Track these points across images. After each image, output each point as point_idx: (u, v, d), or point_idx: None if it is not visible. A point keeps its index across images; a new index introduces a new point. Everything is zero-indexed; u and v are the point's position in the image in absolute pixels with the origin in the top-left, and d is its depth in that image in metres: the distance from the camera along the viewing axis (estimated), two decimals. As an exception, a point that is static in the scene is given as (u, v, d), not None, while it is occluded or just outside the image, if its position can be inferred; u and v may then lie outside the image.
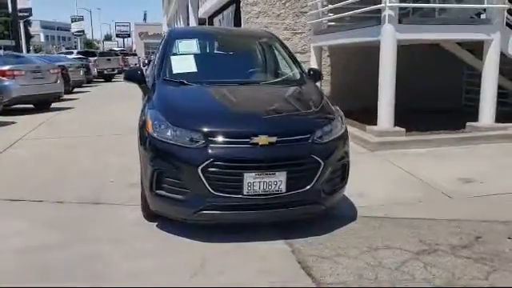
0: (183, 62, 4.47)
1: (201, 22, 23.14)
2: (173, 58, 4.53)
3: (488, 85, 7.02)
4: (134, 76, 4.62)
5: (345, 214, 4.18)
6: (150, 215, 4.00)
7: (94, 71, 23.30)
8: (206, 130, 3.49)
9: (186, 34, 5.05)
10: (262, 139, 3.46)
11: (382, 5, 6.47)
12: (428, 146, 6.60)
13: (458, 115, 8.80)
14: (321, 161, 3.57)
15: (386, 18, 6.41)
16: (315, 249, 3.51)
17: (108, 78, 25.66)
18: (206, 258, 3.33)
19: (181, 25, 35.34)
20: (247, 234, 3.69)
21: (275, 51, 5.01)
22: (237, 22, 12.02)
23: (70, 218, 4.18)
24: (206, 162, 3.39)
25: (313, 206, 3.68)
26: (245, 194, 3.44)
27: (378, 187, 4.97)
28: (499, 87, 9.90)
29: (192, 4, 26.92)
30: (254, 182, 3.42)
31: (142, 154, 3.78)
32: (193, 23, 26.86)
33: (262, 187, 3.44)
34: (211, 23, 17.58)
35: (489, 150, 6.55)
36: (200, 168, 3.39)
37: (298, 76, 4.64)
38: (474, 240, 3.69)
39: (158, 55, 4.82)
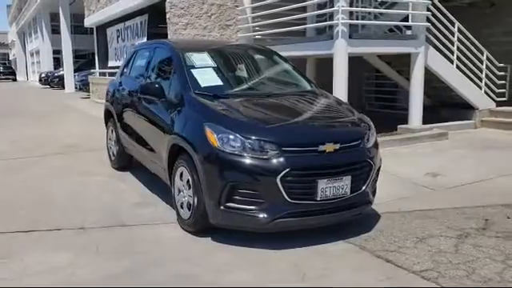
0: (206, 76, 4.46)
1: (82, 31, 21.80)
2: (193, 71, 4.48)
3: (415, 92, 8.09)
4: (153, 90, 4.51)
5: (368, 212, 4.57)
6: (199, 231, 3.96)
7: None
8: (278, 140, 3.61)
9: (193, 48, 4.98)
10: (329, 147, 3.71)
11: (336, 21, 7.09)
12: (378, 147, 7.37)
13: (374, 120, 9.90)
14: (373, 163, 3.94)
15: (340, 33, 7.05)
16: (377, 244, 3.84)
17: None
18: (298, 264, 3.44)
19: (44, 35, 32.67)
20: (302, 238, 3.85)
21: (280, 63, 5.22)
22: (150, 32, 11.77)
23: (111, 243, 3.88)
24: (284, 172, 3.52)
25: (366, 205, 4.03)
26: (318, 199, 3.64)
27: (371, 186, 5.47)
28: (392, 92, 11.39)
29: (64, 11, 25.13)
30: (325, 188, 3.65)
31: (202, 170, 3.71)
32: (65, 33, 25.08)
33: (332, 192, 3.68)
34: (102, 34, 16.74)
35: (427, 149, 7.57)
36: (279, 177, 3.50)
37: (309, 86, 4.93)
38: (485, 222, 4.37)
39: (171, 69, 4.67)
